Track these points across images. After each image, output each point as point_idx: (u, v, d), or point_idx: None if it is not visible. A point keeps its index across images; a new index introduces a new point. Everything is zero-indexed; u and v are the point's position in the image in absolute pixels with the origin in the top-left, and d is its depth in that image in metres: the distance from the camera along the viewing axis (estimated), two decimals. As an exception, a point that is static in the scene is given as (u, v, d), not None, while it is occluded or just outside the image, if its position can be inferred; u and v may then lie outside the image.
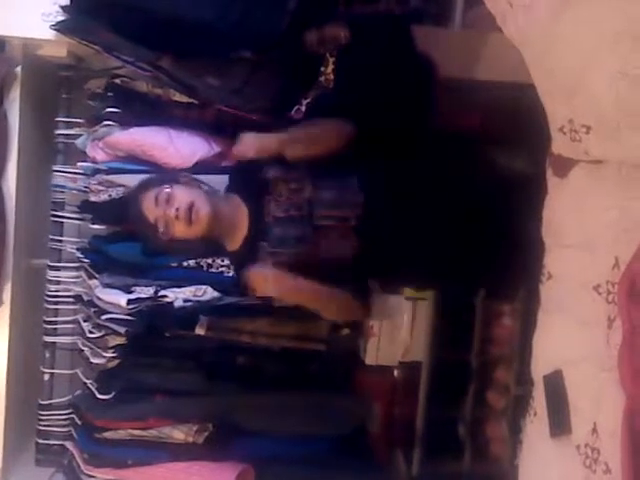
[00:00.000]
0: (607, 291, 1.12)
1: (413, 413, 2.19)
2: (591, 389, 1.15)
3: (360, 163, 1.76)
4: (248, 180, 1.76)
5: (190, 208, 1.63)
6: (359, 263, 1.70)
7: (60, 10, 1.92)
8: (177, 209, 1.63)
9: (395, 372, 2.23)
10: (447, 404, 2.17)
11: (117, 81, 2.10)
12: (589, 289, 1.16)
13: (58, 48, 2.08)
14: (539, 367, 1.33)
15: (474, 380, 2.14)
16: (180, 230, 1.65)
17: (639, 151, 1.01)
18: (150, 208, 1.66)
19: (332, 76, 1.86)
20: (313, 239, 1.68)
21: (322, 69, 1.86)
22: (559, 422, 1.23)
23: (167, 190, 1.66)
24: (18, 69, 2.11)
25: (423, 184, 1.76)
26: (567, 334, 1.23)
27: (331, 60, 1.86)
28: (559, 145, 1.23)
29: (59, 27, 1.93)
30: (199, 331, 2.05)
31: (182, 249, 1.80)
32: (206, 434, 2.04)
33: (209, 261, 2.06)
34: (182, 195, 1.66)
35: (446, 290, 2.02)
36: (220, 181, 2.02)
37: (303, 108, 1.88)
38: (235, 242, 1.75)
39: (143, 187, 1.73)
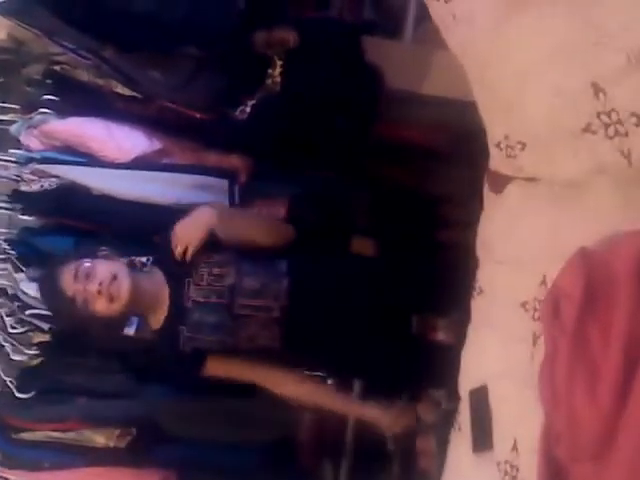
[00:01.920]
0: (534, 308, 1.12)
1: (343, 423, 2.17)
2: (514, 406, 1.15)
3: (289, 248, 1.74)
4: (173, 258, 1.69)
5: (112, 282, 1.57)
6: (282, 354, 1.68)
7: (1, -10, 1.85)
8: (100, 283, 1.56)
9: (327, 380, 2.21)
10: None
11: (57, 68, 2.04)
12: (517, 306, 1.16)
13: (-3, 30, 2.01)
14: (466, 382, 1.33)
15: (407, 387, 2.13)
16: (101, 306, 1.57)
17: (571, 169, 1.01)
18: (69, 283, 1.58)
19: (279, 79, 1.84)
20: (232, 328, 1.65)
21: (269, 71, 1.85)
22: (481, 438, 1.22)
23: (87, 264, 1.58)
24: (-48, 49, 2.02)
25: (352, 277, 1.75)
26: (494, 350, 1.23)
27: (279, 63, 1.84)
28: (495, 161, 1.23)
29: (-1, 8, 1.85)
30: (128, 332, 1.99)
31: (99, 327, 1.69)
32: (128, 439, 1.98)
33: (143, 259, 2.00)
34: (103, 269, 1.59)
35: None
36: (159, 178, 1.99)
37: (248, 109, 1.86)
38: (157, 321, 1.69)
39: (61, 260, 1.65)
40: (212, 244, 1.69)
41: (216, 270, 1.65)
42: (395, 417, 1.79)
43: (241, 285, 1.65)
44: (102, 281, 1.56)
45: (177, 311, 1.66)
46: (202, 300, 1.64)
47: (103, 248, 1.71)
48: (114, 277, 1.58)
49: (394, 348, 1.75)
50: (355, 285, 1.75)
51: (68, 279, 1.58)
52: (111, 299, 1.57)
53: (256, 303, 1.65)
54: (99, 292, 1.56)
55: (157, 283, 1.69)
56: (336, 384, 1.94)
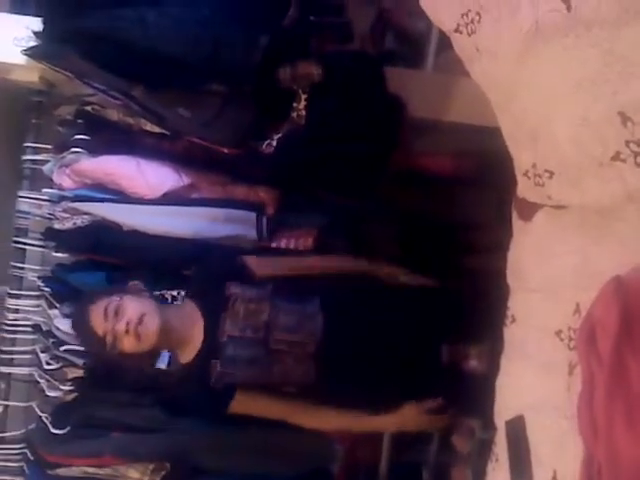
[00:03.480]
0: (568, 337, 1.11)
1: (377, 456, 2.15)
2: (552, 436, 1.13)
3: (322, 282, 1.75)
4: (209, 291, 1.70)
5: (140, 321, 1.56)
6: (315, 390, 1.68)
7: (33, 35, 1.91)
8: (127, 323, 1.55)
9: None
10: (411, 447, 2.14)
11: (88, 108, 2.09)
12: (551, 334, 1.15)
13: (30, 73, 2.07)
14: (501, 412, 1.31)
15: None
16: (129, 345, 1.57)
17: (599, 197, 1.01)
18: (99, 321, 1.58)
19: (304, 112, 1.86)
20: (266, 362, 1.64)
21: (294, 105, 1.87)
22: (520, 469, 1.20)
23: (116, 302, 1.58)
24: (-13, 92, 2.09)
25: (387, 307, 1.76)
26: (529, 379, 1.22)
27: (303, 96, 1.86)
28: (523, 189, 1.23)
29: (31, 52, 1.91)
30: (160, 365, 2.00)
31: (130, 364, 1.71)
32: (163, 473, 1.99)
33: (174, 293, 2.03)
34: (132, 307, 1.57)
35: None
36: (188, 213, 2.01)
37: (274, 143, 1.88)
38: (187, 355, 1.68)
39: (91, 297, 1.65)
40: (247, 279, 1.69)
41: (252, 306, 1.65)
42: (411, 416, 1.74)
43: (277, 321, 1.65)
44: (129, 320, 1.55)
45: (211, 345, 1.65)
46: (237, 334, 1.64)
47: (134, 282, 1.72)
48: (142, 316, 1.56)
49: (426, 379, 1.74)
50: (386, 317, 1.75)
51: (98, 317, 1.58)
52: (139, 338, 1.56)
53: (291, 339, 1.65)
54: (127, 331, 1.55)
55: (189, 317, 1.69)
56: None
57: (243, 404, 1.68)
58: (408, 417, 1.75)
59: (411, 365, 1.71)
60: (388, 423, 1.80)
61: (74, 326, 1.77)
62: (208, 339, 1.66)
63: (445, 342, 1.79)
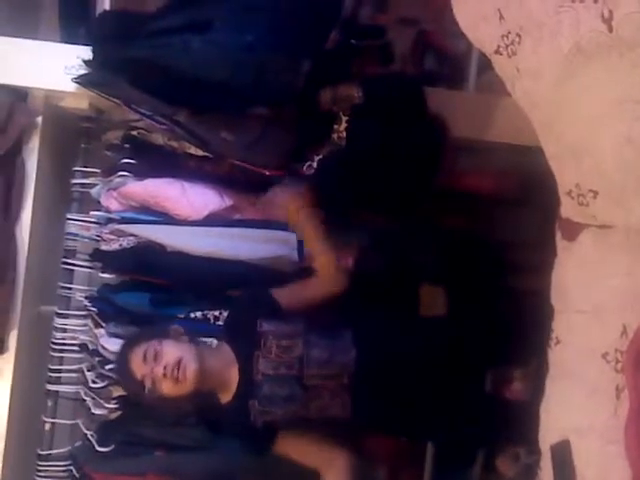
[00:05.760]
0: (615, 359, 1.09)
1: (420, 479, 2.12)
2: (598, 460, 1.11)
3: (354, 313, 1.78)
4: (241, 331, 1.73)
5: (178, 365, 1.58)
6: (352, 422, 1.68)
7: (82, 64, 1.98)
8: (165, 367, 1.58)
9: (402, 435, 2.17)
10: (455, 471, 2.10)
11: (134, 133, 2.14)
12: (597, 357, 1.13)
13: (80, 100, 2.13)
14: (546, 436, 1.29)
15: (483, 446, 2.07)
16: (168, 388, 1.59)
17: (646, 217, 1.00)
18: (138, 365, 1.61)
19: (344, 134, 1.88)
20: (303, 399, 1.66)
21: (335, 127, 1.89)
22: (566, 495, 1.18)
23: (156, 346, 1.61)
24: (39, 119, 2.16)
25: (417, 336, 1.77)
26: (575, 402, 1.20)
27: (344, 118, 1.88)
28: (567, 209, 1.22)
29: (81, 80, 1.98)
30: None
31: (171, 407, 1.76)
32: (205, 494, 1.99)
33: (216, 313, 2.05)
34: (170, 352, 1.60)
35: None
36: (230, 234, 2.04)
37: (315, 164, 1.90)
38: (226, 395, 1.71)
39: (132, 342, 1.69)
40: (278, 315, 1.71)
41: (284, 342, 1.67)
42: None
43: (310, 356, 1.66)
44: (167, 365, 1.58)
45: (247, 385, 1.67)
46: (271, 373, 1.65)
47: (175, 327, 1.74)
48: (179, 360, 1.59)
49: (467, 411, 1.71)
50: (423, 350, 1.73)
51: (137, 361, 1.61)
52: (176, 382, 1.58)
53: (325, 372, 1.66)
54: (164, 375, 1.58)
55: (225, 360, 1.71)
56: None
57: (285, 447, 1.69)
58: None
59: (452, 394, 1.69)
60: None
61: (115, 369, 1.81)
62: (243, 380, 1.67)
63: (489, 369, 1.76)
